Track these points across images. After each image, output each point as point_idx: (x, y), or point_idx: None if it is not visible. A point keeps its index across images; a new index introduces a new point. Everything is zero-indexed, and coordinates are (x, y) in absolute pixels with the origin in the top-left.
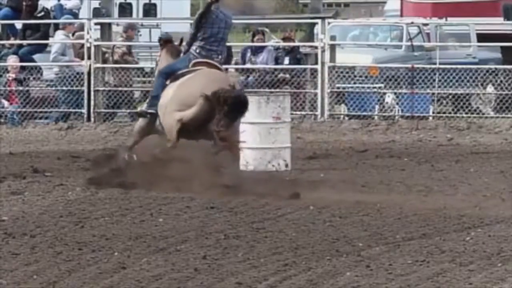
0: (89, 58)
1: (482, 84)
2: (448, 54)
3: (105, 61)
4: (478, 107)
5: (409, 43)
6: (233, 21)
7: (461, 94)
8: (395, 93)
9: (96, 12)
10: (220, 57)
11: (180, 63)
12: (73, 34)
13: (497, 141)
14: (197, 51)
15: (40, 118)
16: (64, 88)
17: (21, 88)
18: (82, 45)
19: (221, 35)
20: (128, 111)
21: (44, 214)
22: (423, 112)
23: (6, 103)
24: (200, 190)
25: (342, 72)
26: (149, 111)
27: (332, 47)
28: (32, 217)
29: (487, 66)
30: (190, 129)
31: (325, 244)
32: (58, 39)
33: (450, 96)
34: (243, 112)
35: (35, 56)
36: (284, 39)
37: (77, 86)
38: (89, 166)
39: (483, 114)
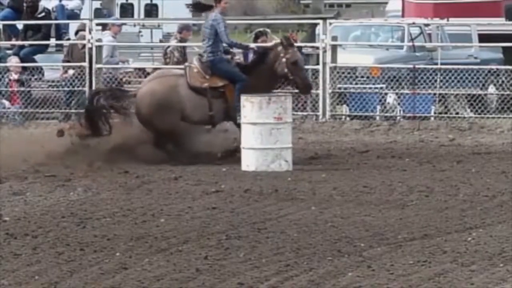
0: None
1: (484, 85)
2: (449, 54)
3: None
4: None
5: (410, 44)
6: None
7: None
8: (396, 94)
9: (98, 13)
10: (206, 55)
11: None
12: (76, 34)
13: (499, 141)
14: None
15: (42, 119)
16: (66, 88)
17: (22, 88)
18: (84, 46)
19: (203, 33)
20: None
21: (45, 215)
22: (424, 112)
23: (7, 103)
24: None
25: (343, 73)
26: None
27: (334, 48)
28: (33, 217)
29: (488, 67)
30: None
31: (326, 244)
32: (106, 41)
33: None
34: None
35: (37, 57)
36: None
37: (78, 87)
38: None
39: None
